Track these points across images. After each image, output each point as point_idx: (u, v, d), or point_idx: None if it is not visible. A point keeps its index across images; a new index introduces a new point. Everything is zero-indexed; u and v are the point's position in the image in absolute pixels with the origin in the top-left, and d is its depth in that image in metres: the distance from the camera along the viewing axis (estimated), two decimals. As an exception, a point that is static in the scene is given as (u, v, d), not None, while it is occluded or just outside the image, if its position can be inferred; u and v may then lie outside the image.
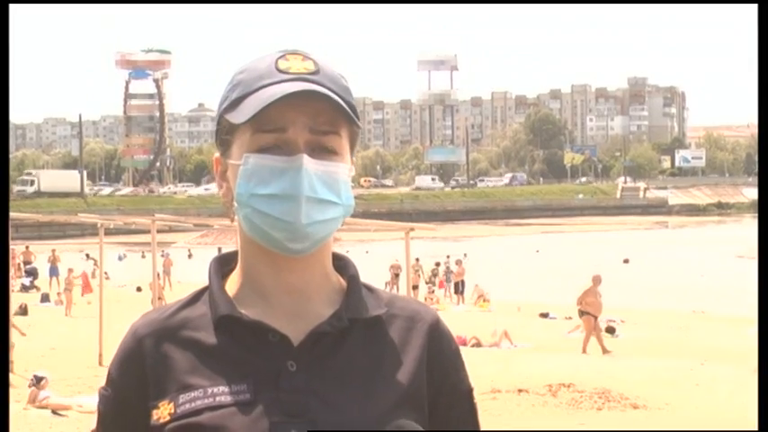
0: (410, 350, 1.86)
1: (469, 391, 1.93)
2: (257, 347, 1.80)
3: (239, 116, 1.80)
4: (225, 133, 1.86)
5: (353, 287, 1.88)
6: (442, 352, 1.89)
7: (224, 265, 1.92)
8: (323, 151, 1.80)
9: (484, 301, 35.54)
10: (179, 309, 1.88)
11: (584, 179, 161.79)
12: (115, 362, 1.89)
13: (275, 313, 1.83)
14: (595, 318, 22.96)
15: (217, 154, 1.91)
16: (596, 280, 23.53)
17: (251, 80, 1.82)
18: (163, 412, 1.79)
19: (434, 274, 39.62)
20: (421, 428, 1.82)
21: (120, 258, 55.88)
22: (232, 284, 1.88)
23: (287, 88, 1.77)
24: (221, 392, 1.77)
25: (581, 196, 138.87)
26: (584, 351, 22.38)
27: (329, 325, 1.82)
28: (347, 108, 1.79)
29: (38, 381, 15.26)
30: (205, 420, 1.75)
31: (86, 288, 34.44)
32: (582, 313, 23.28)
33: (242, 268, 1.88)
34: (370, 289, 1.91)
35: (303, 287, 1.85)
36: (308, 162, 1.77)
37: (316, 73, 1.82)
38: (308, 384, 1.77)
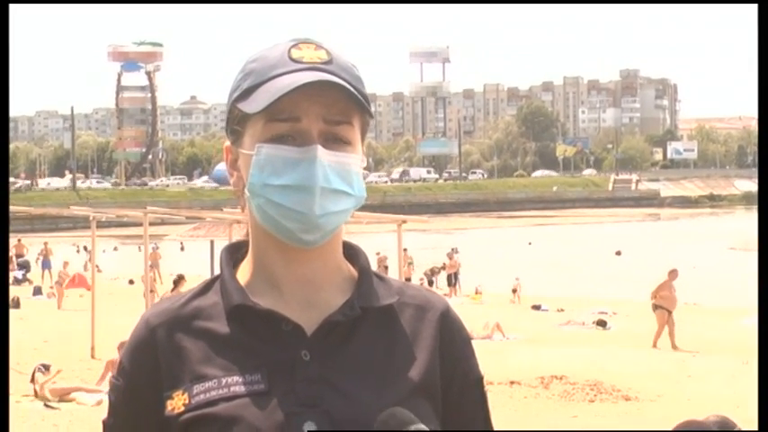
0: (422, 339, 1.86)
1: (480, 379, 1.93)
2: (270, 337, 1.80)
3: (253, 105, 1.78)
4: (236, 122, 1.84)
5: (364, 276, 1.88)
6: (453, 340, 1.89)
7: (234, 252, 1.92)
8: (336, 141, 1.79)
9: (476, 293, 35.55)
10: (191, 298, 1.87)
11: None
12: (127, 351, 1.88)
13: (287, 302, 1.83)
14: (669, 312, 22.39)
15: (227, 142, 1.89)
16: (672, 274, 22.88)
17: (263, 69, 1.81)
18: (177, 402, 1.79)
19: (433, 273, 39.40)
20: (435, 419, 1.83)
21: (104, 252, 55.71)
22: (243, 273, 1.88)
23: (301, 78, 1.75)
24: (235, 383, 1.76)
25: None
26: (654, 346, 21.85)
27: (342, 314, 1.81)
28: (360, 97, 1.79)
29: (46, 368, 15.48)
30: (220, 411, 1.75)
31: (81, 284, 33.87)
32: (656, 307, 22.67)
33: (253, 257, 1.87)
34: (380, 277, 1.91)
35: (314, 277, 1.84)
36: (322, 153, 1.76)
37: (329, 62, 1.81)
38: (323, 374, 1.77)
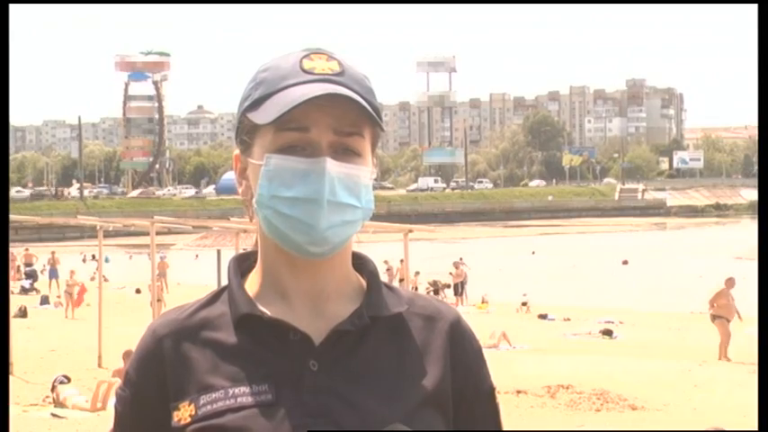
0: (432, 349, 1.84)
1: (492, 390, 1.92)
2: (278, 347, 1.78)
3: (262, 116, 1.77)
4: (246, 131, 1.83)
5: (373, 285, 1.87)
6: (464, 351, 1.88)
7: (242, 262, 1.91)
8: (346, 153, 1.78)
9: (483, 302, 35.52)
10: (198, 308, 1.86)
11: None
12: (133, 362, 1.87)
13: (295, 312, 1.81)
14: (728, 321, 21.87)
15: (236, 151, 1.88)
16: (729, 282, 22.41)
17: (275, 79, 1.80)
18: (183, 413, 1.77)
19: (436, 285, 39.25)
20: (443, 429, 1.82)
21: (106, 260, 55.59)
22: (252, 283, 1.87)
23: (312, 90, 1.75)
24: (243, 393, 1.75)
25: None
26: (720, 357, 21.52)
27: (350, 323, 1.80)
28: (371, 110, 1.78)
29: (68, 380, 15.62)
30: (227, 422, 1.74)
31: (79, 299, 33.26)
32: (714, 317, 22.28)
33: (261, 267, 1.86)
34: (390, 287, 1.90)
35: (323, 287, 1.83)
36: (330, 165, 1.75)
37: (341, 74, 1.80)
38: (331, 384, 1.76)
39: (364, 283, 1.88)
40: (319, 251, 1.79)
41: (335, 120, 1.77)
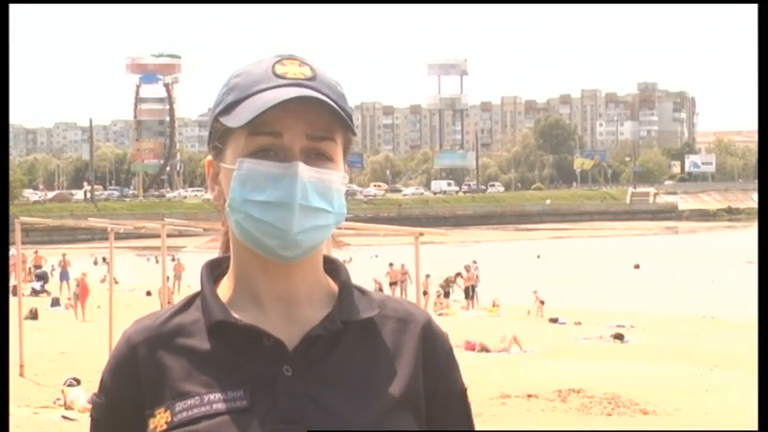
0: (404, 352, 1.86)
1: (463, 391, 1.93)
2: (252, 352, 1.80)
3: (235, 120, 1.79)
4: (218, 136, 1.85)
5: (345, 290, 1.88)
6: (435, 353, 1.89)
7: (215, 268, 1.92)
8: (318, 157, 1.80)
9: (493, 306, 35.50)
10: (172, 315, 1.87)
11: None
12: (108, 369, 1.87)
13: (268, 318, 1.83)
14: None
15: (209, 156, 1.89)
16: None
17: (247, 84, 1.82)
18: (159, 421, 1.78)
19: (448, 283, 39.25)
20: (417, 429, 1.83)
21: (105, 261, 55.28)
22: (224, 289, 1.88)
23: (284, 93, 1.76)
24: (218, 400, 1.76)
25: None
26: None
27: (323, 328, 1.81)
28: (343, 114, 1.79)
29: (77, 382, 15.64)
30: (203, 429, 1.74)
31: (84, 294, 33.00)
32: None
33: (234, 273, 1.87)
34: (362, 291, 1.91)
35: (295, 292, 1.84)
36: (303, 170, 1.77)
37: (312, 79, 1.82)
38: (305, 389, 1.77)
39: (336, 287, 1.89)
40: (291, 255, 1.80)
41: (308, 124, 1.79)
